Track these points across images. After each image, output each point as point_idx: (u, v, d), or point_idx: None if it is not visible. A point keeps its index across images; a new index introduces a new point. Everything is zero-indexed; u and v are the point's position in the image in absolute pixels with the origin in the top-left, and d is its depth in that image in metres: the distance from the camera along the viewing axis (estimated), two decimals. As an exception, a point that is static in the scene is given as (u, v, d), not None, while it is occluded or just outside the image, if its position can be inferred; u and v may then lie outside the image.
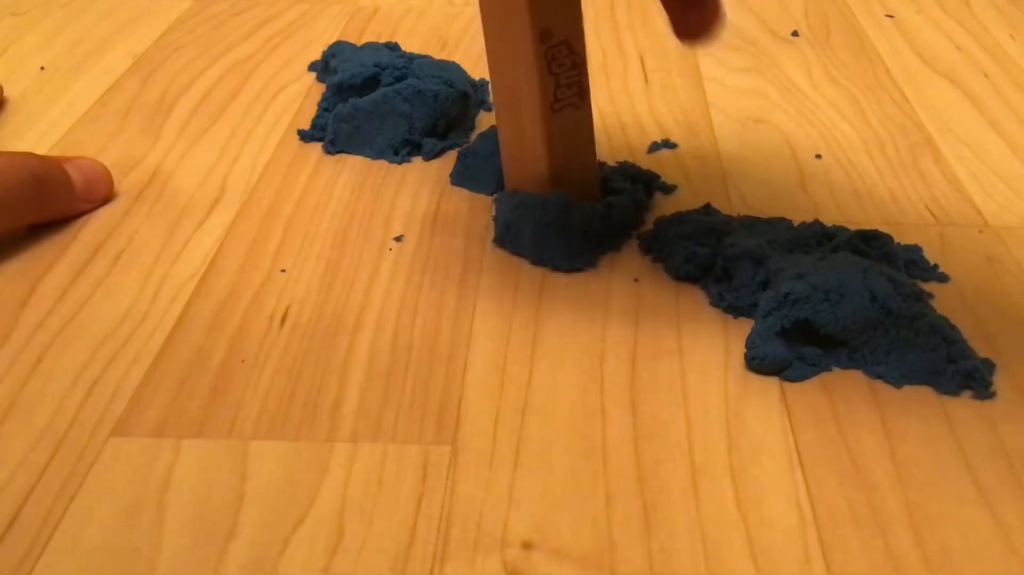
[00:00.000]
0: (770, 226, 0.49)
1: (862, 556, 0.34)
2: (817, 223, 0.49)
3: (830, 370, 0.42)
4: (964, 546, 0.34)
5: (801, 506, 0.36)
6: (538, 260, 0.48)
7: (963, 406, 0.40)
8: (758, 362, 0.41)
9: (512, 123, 0.49)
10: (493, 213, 0.51)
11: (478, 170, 0.55)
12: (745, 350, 0.42)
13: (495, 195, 0.52)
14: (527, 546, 0.34)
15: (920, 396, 0.41)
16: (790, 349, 0.42)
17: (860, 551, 0.34)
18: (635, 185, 0.52)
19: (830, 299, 0.41)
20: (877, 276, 0.42)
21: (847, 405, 0.40)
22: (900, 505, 0.36)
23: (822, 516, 0.35)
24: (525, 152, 0.50)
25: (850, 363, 0.42)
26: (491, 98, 0.50)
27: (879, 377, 0.41)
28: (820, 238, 0.48)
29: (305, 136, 0.59)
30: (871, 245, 0.47)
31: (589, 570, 0.33)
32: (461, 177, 0.55)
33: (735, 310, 0.45)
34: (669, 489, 0.36)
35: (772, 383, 0.41)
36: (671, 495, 0.36)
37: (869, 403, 0.40)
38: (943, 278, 0.47)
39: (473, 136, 0.59)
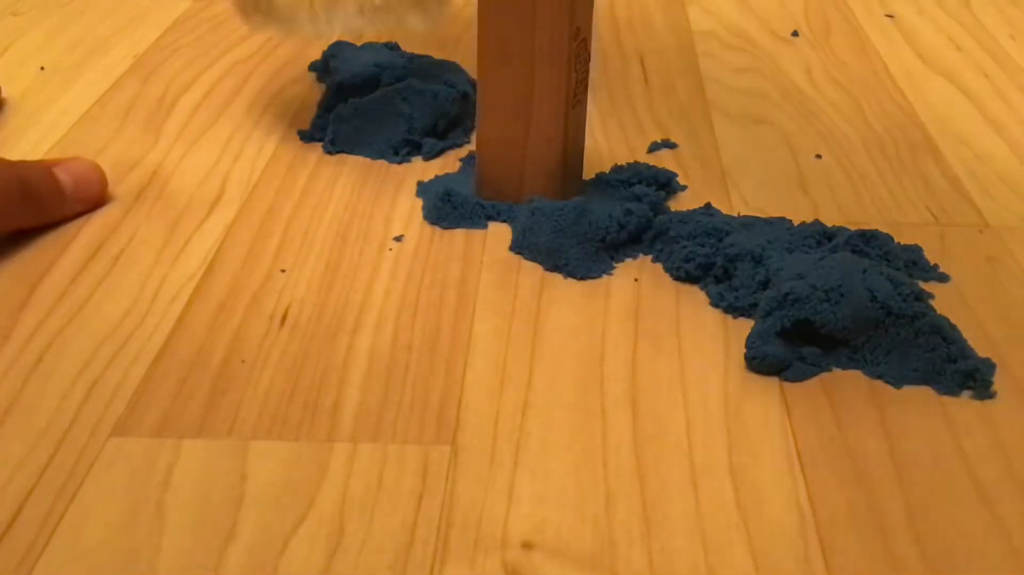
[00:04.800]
0: (770, 226, 0.49)
1: (862, 556, 0.34)
2: (817, 223, 0.49)
3: (830, 370, 0.42)
4: (964, 546, 0.34)
5: (801, 506, 0.36)
6: (553, 267, 0.48)
7: (963, 406, 0.40)
8: (758, 362, 0.41)
9: (515, 122, 0.50)
10: (492, 213, 0.51)
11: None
12: (745, 350, 0.42)
13: (529, 199, 0.50)
14: (527, 546, 0.34)
15: (920, 396, 0.41)
16: (790, 349, 0.42)
17: (860, 551, 0.34)
18: (656, 191, 0.52)
19: (830, 299, 0.41)
20: (877, 276, 0.42)
21: (847, 405, 0.40)
22: (900, 505, 0.36)
23: (822, 516, 0.35)
24: (528, 153, 0.50)
25: (850, 363, 0.42)
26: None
27: (879, 377, 0.41)
28: (820, 238, 0.48)
29: (305, 136, 0.59)
30: (871, 245, 0.47)
31: (589, 570, 0.33)
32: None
33: (735, 310, 0.45)
34: (669, 489, 0.36)
35: (772, 383, 0.41)
36: (671, 495, 0.36)
37: (869, 403, 0.40)
38: (943, 278, 0.47)
39: (473, 136, 0.59)
